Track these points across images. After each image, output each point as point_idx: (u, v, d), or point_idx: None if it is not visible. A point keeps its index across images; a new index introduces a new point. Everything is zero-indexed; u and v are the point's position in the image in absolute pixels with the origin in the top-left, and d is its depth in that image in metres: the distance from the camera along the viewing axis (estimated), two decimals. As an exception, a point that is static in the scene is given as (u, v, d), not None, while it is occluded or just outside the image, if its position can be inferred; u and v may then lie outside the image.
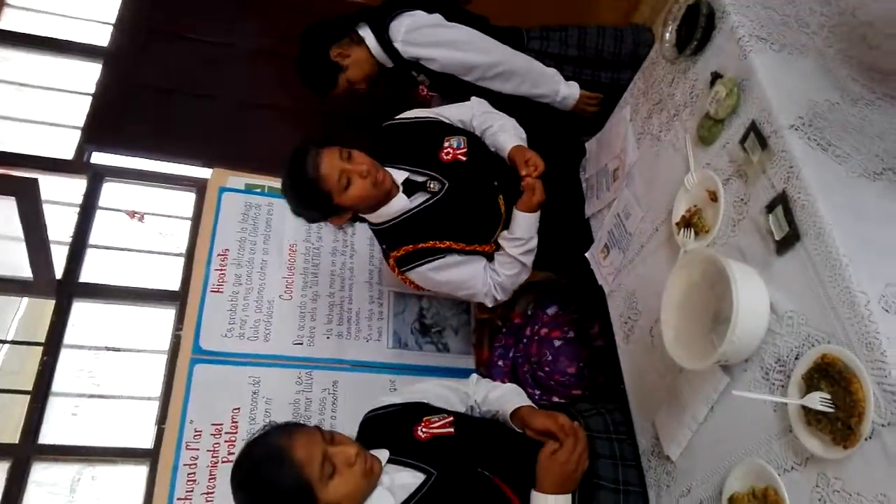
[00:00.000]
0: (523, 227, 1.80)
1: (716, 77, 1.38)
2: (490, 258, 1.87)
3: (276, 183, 2.55)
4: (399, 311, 2.41)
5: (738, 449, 1.23)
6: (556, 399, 2.09)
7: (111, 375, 2.26)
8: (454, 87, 2.13)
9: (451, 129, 1.88)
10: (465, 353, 2.40)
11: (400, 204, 1.78)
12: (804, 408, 1.06)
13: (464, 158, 1.81)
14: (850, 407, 1.00)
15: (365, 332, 2.33)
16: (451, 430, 1.40)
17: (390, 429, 1.45)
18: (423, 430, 1.39)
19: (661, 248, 1.54)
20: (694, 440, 1.36)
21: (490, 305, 1.95)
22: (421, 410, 1.51)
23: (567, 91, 2.14)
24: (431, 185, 1.79)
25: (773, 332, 1.17)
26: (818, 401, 1.04)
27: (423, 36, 2.05)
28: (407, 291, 2.45)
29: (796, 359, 1.12)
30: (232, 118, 2.76)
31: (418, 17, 2.07)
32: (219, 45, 2.86)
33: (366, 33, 2.10)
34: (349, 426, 2.13)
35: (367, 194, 1.69)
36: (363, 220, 1.85)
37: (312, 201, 1.69)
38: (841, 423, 1.01)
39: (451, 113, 1.94)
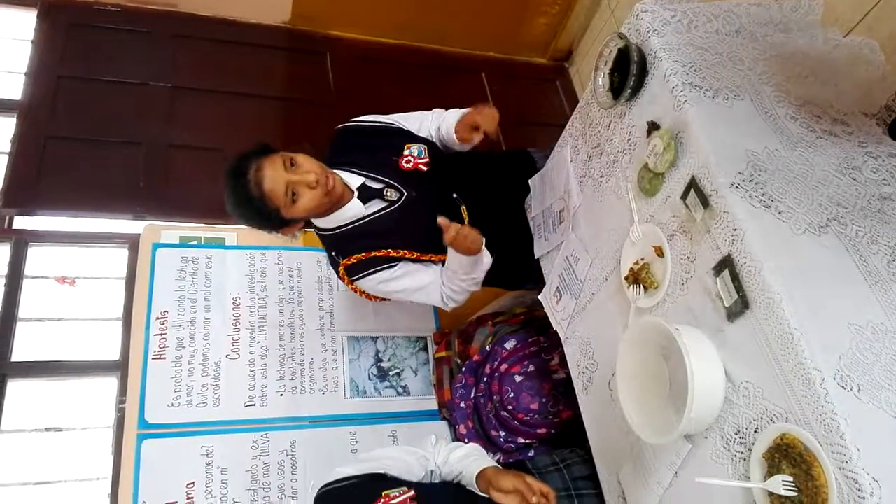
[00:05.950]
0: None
1: (653, 127, 1.33)
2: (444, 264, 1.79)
3: (213, 232, 2.45)
4: (354, 357, 2.31)
5: (705, 519, 1.19)
6: (521, 440, 2.04)
7: (55, 458, 2.13)
8: None
9: (411, 137, 1.81)
10: (426, 395, 2.32)
11: (354, 210, 1.70)
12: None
13: (425, 168, 1.75)
14: (813, 492, 0.96)
15: (320, 384, 2.23)
16: None
17: None
18: None
19: (612, 298, 1.49)
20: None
21: (448, 309, 1.88)
22: (379, 484, 1.44)
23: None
24: (388, 193, 1.72)
25: (730, 401, 1.14)
26: (780, 485, 1.00)
27: None
28: (361, 335, 2.37)
29: (755, 432, 1.09)
30: (158, 163, 2.63)
31: None
32: (135, 84, 2.73)
33: None
34: (310, 490, 2.04)
35: (318, 204, 1.60)
36: (311, 226, 1.76)
37: (261, 219, 1.59)
38: (805, 508, 0.97)
39: (411, 123, 1.85)
